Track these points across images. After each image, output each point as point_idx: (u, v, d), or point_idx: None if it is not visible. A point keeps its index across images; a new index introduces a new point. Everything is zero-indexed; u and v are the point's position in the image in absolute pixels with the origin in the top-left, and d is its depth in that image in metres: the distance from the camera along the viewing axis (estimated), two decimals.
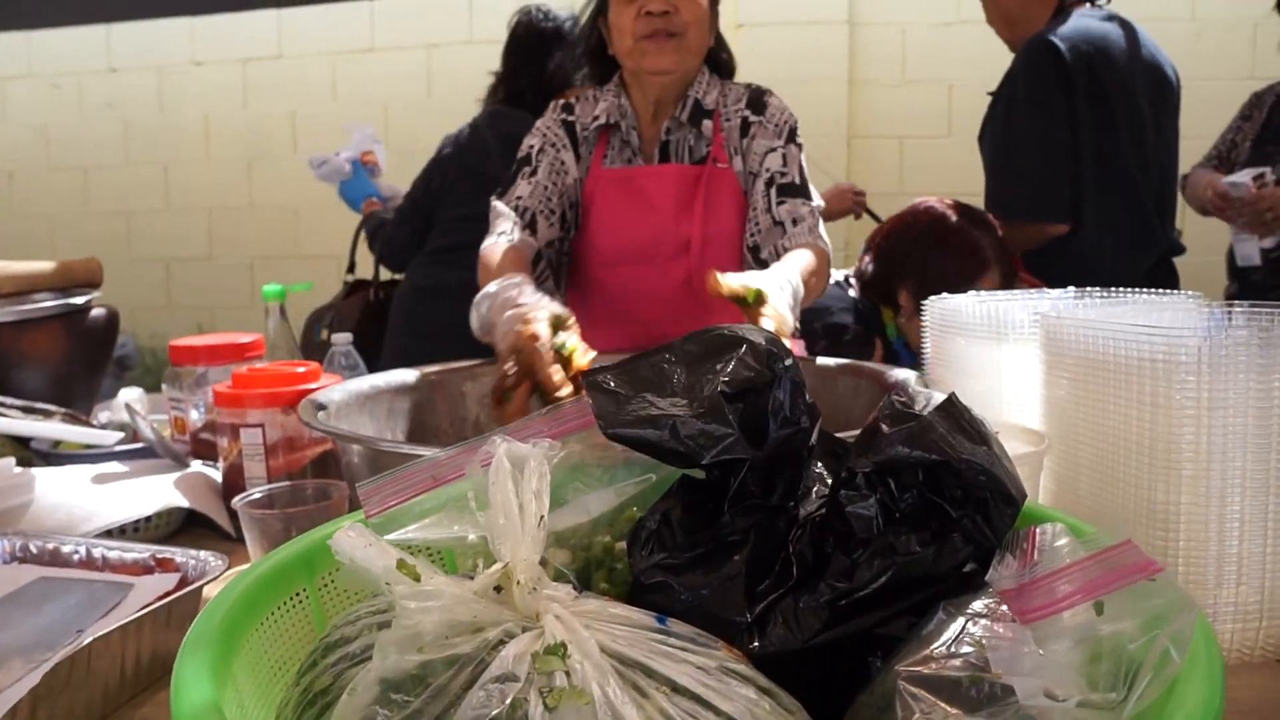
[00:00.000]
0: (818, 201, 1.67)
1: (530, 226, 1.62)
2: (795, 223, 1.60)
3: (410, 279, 2.56)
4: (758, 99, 1.71)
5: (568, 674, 0.48)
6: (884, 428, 0.67)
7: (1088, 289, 1.38)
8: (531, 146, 1.71)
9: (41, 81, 5.28)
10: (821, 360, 1.44)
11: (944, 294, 1.87)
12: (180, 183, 5.19)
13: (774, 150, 1.66)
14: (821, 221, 1.65)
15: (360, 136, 2.80)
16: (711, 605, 0.63)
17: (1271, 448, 0.86)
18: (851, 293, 2.11)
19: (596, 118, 1.70)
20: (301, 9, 5.01)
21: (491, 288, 1.36)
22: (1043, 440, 0.98)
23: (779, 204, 1.62)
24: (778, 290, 1.28)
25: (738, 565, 0.64)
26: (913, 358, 1.97)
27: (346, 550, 0.54)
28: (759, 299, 1.23)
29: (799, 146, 1.69)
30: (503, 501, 0.59)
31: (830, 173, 4.46)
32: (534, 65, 2.50)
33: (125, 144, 5.22)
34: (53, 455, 1.49)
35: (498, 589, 0.56)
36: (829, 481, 0.74)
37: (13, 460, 1.22)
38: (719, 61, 1.76)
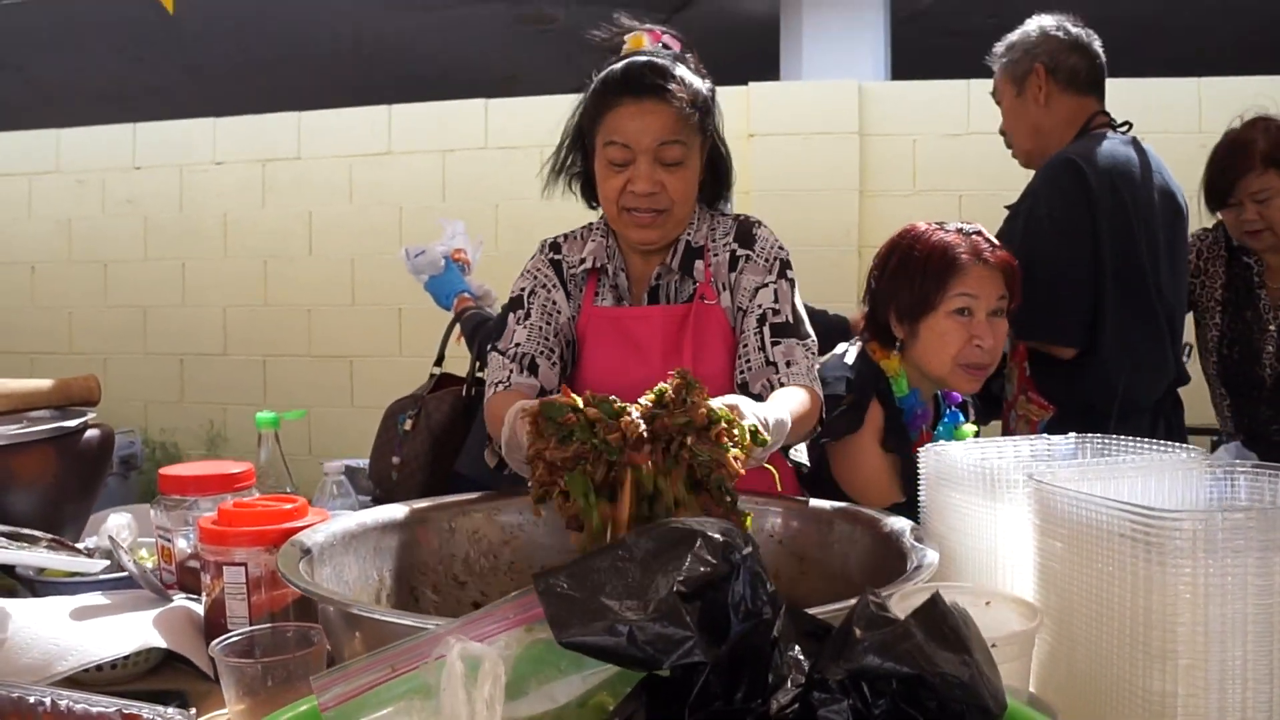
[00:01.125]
0: (812, 338, 1.64)
1: (532, 370, 1.59)
2: (789, 364, 1.57)
3: None
4: (747, 232, 1.68)
5: None
6: (857, 632, 0.65)
7: (1088, 435, 1.37)
8: (522, 289, 1.69)
9: (67, 178, 5.39)
10: (815, 503, 1.41)
11: (924, 300, 1.85)
12: (197, 279, 5.26)
13: (765, 286, 1.63)
14: (816, 360, 1.63)
15: (452, 232, 2.71)
16: None
17: (1274, 635, 0.83)
18: (848, 359, 1.96)
19: (583, 260, 1.68)
20: (320, 112, 5.13)
21: (505, 430, 1.29)
22: (1035, 615, 0.95)
23: (773, 344, 1.58)
24: (751, 407, 1.25)
25: None
26: (918, 405, 1.89)
27: None
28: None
29: (791, 281, 1.66)
30: (452, 712, 0.57)
31: (842, 281, 4.49)
32: None
33: (145, 240, 5.30)
34: (38, 582, 1.48)
35: None
36: (805, 667, 0.72)
37: None
38: (718, 174, 1.72)
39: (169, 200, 5.24)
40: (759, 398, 1.49)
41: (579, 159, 1.69)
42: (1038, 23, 2.40)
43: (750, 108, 4.64)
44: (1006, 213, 2.37)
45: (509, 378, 1.57)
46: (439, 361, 2.65)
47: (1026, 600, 0.99)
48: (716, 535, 0.69)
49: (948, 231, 1.86)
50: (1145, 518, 0.84)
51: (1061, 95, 2.32)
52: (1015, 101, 2.39)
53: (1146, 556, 0.85)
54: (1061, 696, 0.95)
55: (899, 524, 1.27)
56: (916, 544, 1.18)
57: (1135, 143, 2.34)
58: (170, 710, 0.97)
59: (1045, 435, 1.38)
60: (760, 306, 1.61)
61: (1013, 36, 2.43)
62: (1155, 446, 1.23)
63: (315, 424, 4.87)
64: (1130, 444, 1.29)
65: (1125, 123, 2.40)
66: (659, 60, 1.59)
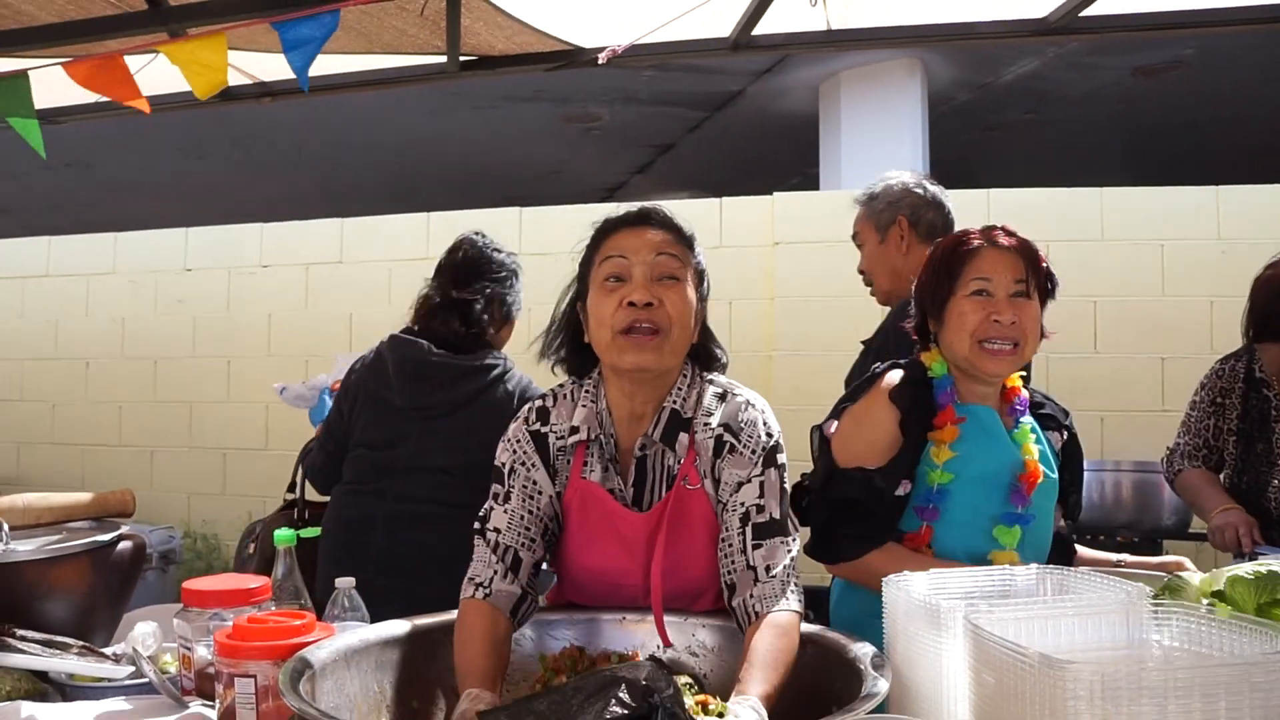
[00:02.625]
0: (795, 533, 1.58)
1: (514, 569, 1.55)
2: (769, 570, 1.50)
3: (336, 508, 2.51)
4: (733, 418, 1.61)
5: None
6: None
7: (1051, 567, 1.45)
8: (503, 464, 1.65)
9: (122, 279, 5.67)
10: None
11: (944, 287, 1.84)
12: (241, 377, 5.46)
13: (749, 481, 1.57)
14: (797, 561, 1.56)
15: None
16: None
17: None
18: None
19: (575, 429, 1.62)
20: (361, 219, 5.37)
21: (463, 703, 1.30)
22: None
23: (754, 547, 1.53)
24: None
25: None
26: (947, 384, 1.83)
27: None
28: None
29: (780, 468, 1.60)
30: None
31: None
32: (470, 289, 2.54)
33: (194, 338, 5.53)
34: (68, 687, 1.60)
35: None
36: None
37: (19, 705, 1.32)
38: (708, 355, 1.71)
39: (217, 301, 5.48)
40: (744, 606, 1.49)
41: (568, 323, 1.70)
42: (900, 179, 2.65)
43: (774, 217, 4.79)
44: None
45: (490, 581, 1.53)
46: (291, 488, 2.80)
47: None
48: (639, 679, 0.79)
49: (968, 229, 1.89)
50: (1046, 667, 0.93)
51: (919, 245, 2.52)
52: (878, 247, 2.61)
53: (1053, 703, 0.93)
54: None
55: (862, 650, 1.35)
56: (872, 671, 1.26)
57: None
58: None
59: (1009, 567, 1.46)
60: (743, 504, 1.56)
61: (876, 188, 2.67)
62: (1106, 584, 1.31)
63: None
64: (1085, 578, 1.37)
65: None
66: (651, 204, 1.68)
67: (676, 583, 1.60)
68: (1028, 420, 1.86)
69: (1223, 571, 1.31)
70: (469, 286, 2.55)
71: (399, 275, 5.30)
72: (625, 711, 0.76)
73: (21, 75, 2.87)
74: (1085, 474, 2.12)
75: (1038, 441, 1.84)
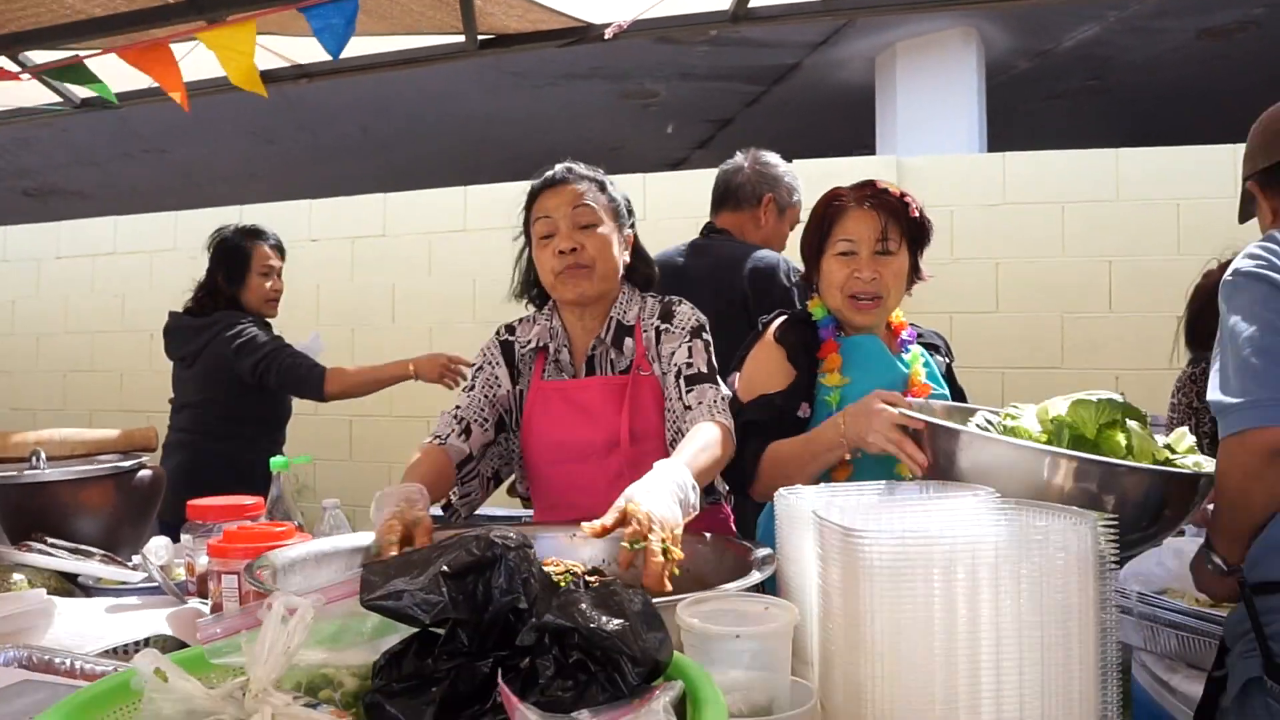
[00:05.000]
0: (724, 389, 1.89)
1: (466, 433, 1.91)
2: (700, 403, 1.83)
3: None
4: (668, 310, 1.98)
5: None
6: (553, 600, 0.93)
7: (935, 482, 1.61)
8: (475, 364, 2.04)
9: (183, 254, 6.01)
10: (715, 538, 1.66)
11: (816, 246, 2.04)
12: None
13: (680, 347, 1.91)
14: (726, 401, 1.86)
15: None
16: None
17: (951, 636, 1.07)
18: None
19: (530, 341, 2.00)
20: (403, 194, 5.63)
21: (374, 512, 1.59)
22: (787, 617, 1.19)
23: (688, 391, 1.86)
24: (646, 494, 1.45)
25: (434, 695, 0.90)
26: (828, 323, 2.02)
27: (142, 666, 0.83)
28: (627, 519, 1.40)
29: (706, 341, 1.94)
30: (262, 636, 0.87)
31: None
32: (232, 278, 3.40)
33: None
34: (93, 588, 1.85)
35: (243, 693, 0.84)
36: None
37: (43, 591, 1.57)
38: (643, 276, 2.06)
39: None
40: (679, 434, 1.80)
41: (527, 269, 2.07)
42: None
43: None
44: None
45: (447, 437, 1.89)
46: None
47: (791, 606, 1.24)
48: (489, 534, 0.98)
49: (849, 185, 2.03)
50: (846, 536, 1.10)
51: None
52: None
53: (854, 569, 1.10)
54: (824, 684, 1.20)
55: (760, 552, 1.53)
56: (760, 568, 1.45)
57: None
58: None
59: (896, 482, 1.61)
60: (676, 364, 1.90)
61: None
62: (970, 490, 1.46)
63: (396, 478, 5.30)
64: (958, 488, 1.52)
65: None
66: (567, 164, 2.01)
67: (639, 453, 1.85)
68: (915, 347, 2.03)
69: (1061, 400, 1.46)
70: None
71: (439, 247, 5.56)
72: (471, 558, 0.95)
73: (80, 62, 3.16)
74: None
75: (925, 364, 2.01)
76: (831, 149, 4.71)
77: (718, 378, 1.91)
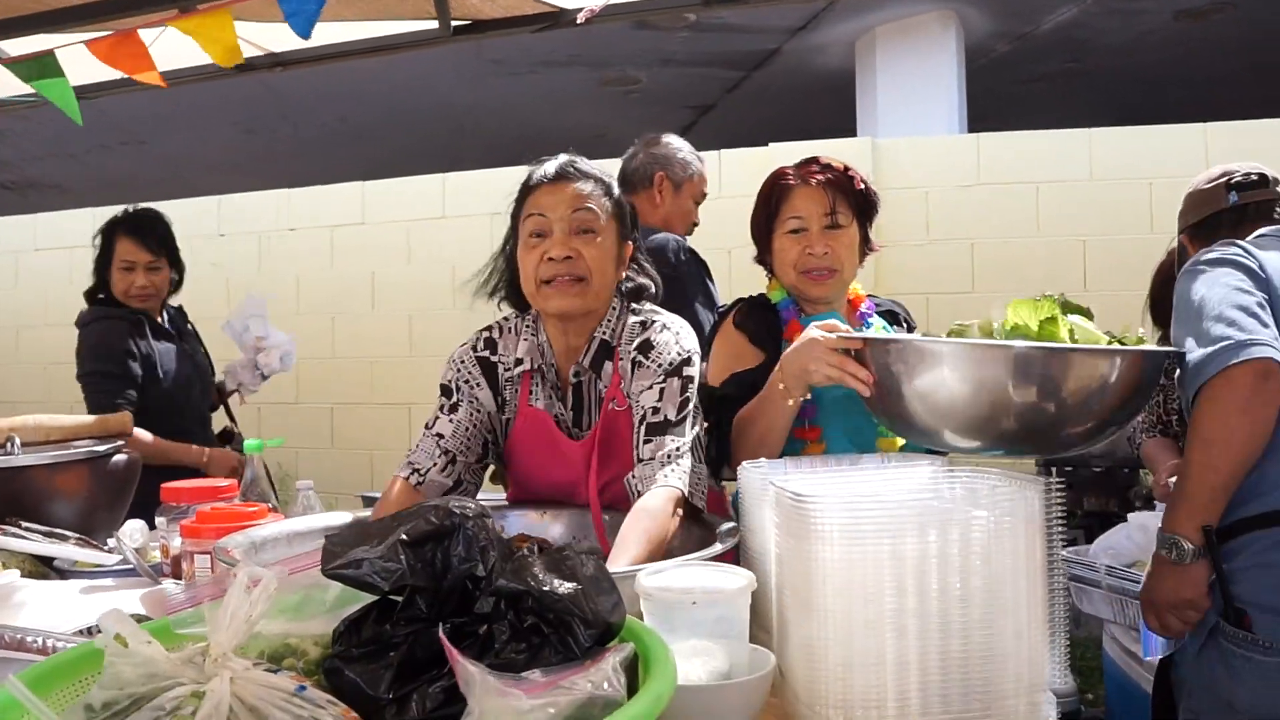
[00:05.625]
0: (687, 438, 1.69)
1: (450, 464, 1.74)
2: (653, 457, 1.64)
3: None
4: (646, 342, 1.75)
5: (193, 712, 0.78)
6: (507, 566, 0.96)
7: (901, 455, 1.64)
8: (449, 381, 1.82)
9: None
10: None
11: (765, 226, 2.03)
12: None
13: (650, 388, 1.71)
14: (684, 456, 1.67)
15: (251, 309, 3.58)
16: (366, 686, 0.91)
17: (904, 597, 1.10)
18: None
19: (520, 360, 1.78)
20: (382, 181, 5.64)
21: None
22: (743, 582, 1.22)
23: (645, 442, 1.67)
24: None
25: (392, 660, 0.92)
26: (788, 305, 2.02)
27: (106, 626, 0.85)
28: None
29: (686, 378, 1.72)
30: (225, 604, 0.90)
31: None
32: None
33: (227, 299, 5.85)
34: (68, 571, 1.87)
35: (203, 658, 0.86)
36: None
37: (16, 573, 1.58)
38: (638, 288, 1.84)
39: (249, 264, 5.80)
40: (629, 487, 1.66)
41: (506, 267, 1.85)
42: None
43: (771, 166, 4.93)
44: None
45: (427, 472, 1.73)
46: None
47: (749, 573, 1.27)
48: (447, 504, 1.00)
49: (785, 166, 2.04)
50: (797, 502, 1.13)
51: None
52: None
53: (806, 534, 1.13)
54: (781, 649, 1.23)
55: (725, 527, 1.56)
56: (723, 540, 1.48)
57: None
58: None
59: (861, 455, 1.64)
60: (643, 408, 1.70)
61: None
62: (926, 461, 1.49)
63: (377, 465, 5.33)
64: (920, 458, 1.55)
65: None
66: (571, 157, 1.81)
67: (614, 494, 1.76)
68: (877, 320, 2.06)
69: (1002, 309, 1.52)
70: None
71: (417, 235, 5.57)
72: (430, 527, 0.97)
73: (49, 54, 3.15)
74: None
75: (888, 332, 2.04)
76: (813, 134, 4.73)
77: (685, 424, 1.71)
